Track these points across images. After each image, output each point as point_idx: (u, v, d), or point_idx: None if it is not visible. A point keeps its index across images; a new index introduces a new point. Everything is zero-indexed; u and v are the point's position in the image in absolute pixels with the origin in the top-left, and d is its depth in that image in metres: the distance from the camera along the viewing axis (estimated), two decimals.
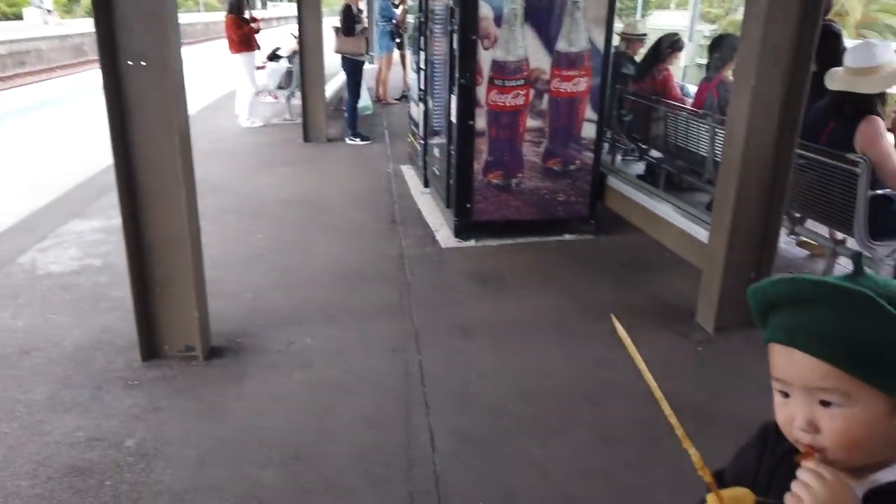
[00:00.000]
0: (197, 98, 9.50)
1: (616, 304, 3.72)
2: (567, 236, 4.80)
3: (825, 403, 0.76)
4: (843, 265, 4.08)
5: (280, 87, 9.51)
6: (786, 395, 0.81)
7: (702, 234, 3.98)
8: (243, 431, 2.57)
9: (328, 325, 3.45)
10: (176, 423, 2.61)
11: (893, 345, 0.72)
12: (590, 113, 4.61)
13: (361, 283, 4.02)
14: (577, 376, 3.00)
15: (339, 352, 3.18)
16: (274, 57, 9.66)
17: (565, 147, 4.66)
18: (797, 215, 4.02)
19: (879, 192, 3.36)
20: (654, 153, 5.84)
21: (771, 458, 0.89)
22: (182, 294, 2.98)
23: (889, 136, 3.44)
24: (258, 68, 9.30)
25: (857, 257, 0.77)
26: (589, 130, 4.66)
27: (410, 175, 6.53)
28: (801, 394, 0.78)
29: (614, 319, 0.91)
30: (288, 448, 2.46)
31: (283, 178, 6.48)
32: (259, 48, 9.10)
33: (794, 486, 0.76)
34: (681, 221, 4.45)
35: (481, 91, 4.40)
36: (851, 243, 3.69)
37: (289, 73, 9.30)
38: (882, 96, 3.49)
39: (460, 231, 4.70)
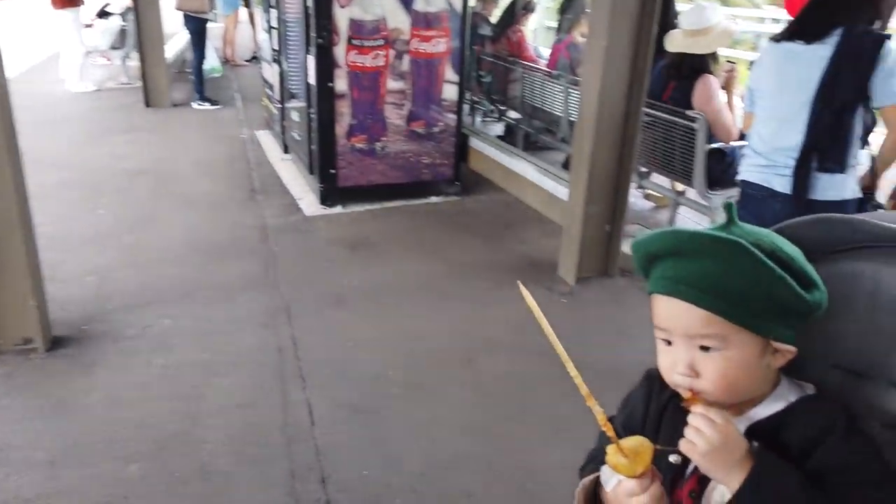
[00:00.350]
0: (15, 60, 8.37)
1: (484, 263, 3.81)
2: (434, 199, 4.82)
3: (704, 348, 0.80)
4: (684, 215, 4.46)
5: (114, 48, 8.62)
6: (668, 342, 0.84)
7: (560, 191, 4.16)
8: (101, 426, 2.35)
9: (188, 304, 3.22)
10: (17, 423, 2.34)
11: (762, 290, 0.77)
12: (450, 74, 4.62)
13: (222, 257, 3.79)
14: (452, 337, 3.04)
15: (203, 332, 2.99)
16: (103, 14, 8.70)
17: (428, 109, 4.64)
18: (643, 170, 4.31)
19: (714, 145, 3.68)
20: (513, 114, 6.00)
21: (657, 404, 0.92)
22: (14, 282, 2.65)
23: (721, 94, 3.75)
24: (86, 26, 8.34)
25: (729, 207, 0.80)
26: (450, 92, 4.67)
27: (267, 141, 6.22)
28: (683, 341, 0.82)
29: (521, 286, 0.89)
30: (154, 438, 2.29)
31: (126, 148, 5.92)
32: (84, 3, 8.16)
33: (687, 431, 0.79)
34: (540, 180, 4.62)
35: (340, 51, 4.24)
36: (691, 194, 4.03)
37: (122, 31, 8.44)
38: (714, 56, 3.79)
39: (326, 198, 4.56)
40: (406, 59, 4.45)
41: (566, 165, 5.01)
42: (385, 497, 2.09)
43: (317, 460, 2.22)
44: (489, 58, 6.08)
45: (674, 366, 0.83)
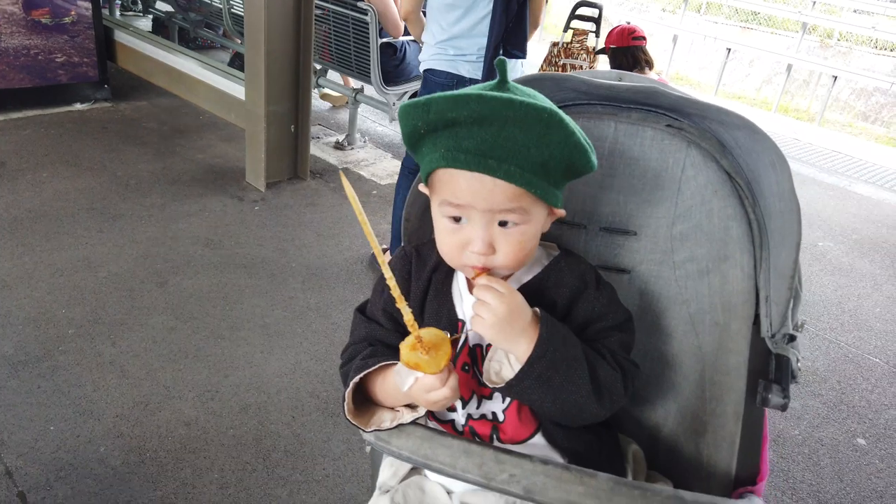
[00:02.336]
0: None
1: (160, 176, 3.38)
2: (79, 106, 4.05)
3: (503, 224, 0.76)
4: (363, 113, 4.54)
5: None
6: (456, 220, 0.77)
7: (238, 91, 3.84)
8: None
9: None
10: None
11: (566, 159, 0.73)
12: None
13: None
14: (135, 260, 2.67)
15: None
16: None
17: None
18: (318, 67, 4.21)
19: (384, 39, 3.73)
20: (162, 6, 5.27)
21: (418, 283, 0.88)
22: None
23: None
24: None
25: (501, 63, 0.73)
26: None
27: None
28: (482, 217, 0.75)
29: (342, 176, 0.74)
30: None
31: None
32: None
33: (475, 306, 0.76)
34: (213, 79, 4.20)
35: None
36: (369, 90, 4.08)
37: None
38: None
39: None
40: None
41: (233, 63, 4.63)
42: (85, 449, 1.80)
43: None
44: None
45: (464, 244, 0.77)
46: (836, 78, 7.93)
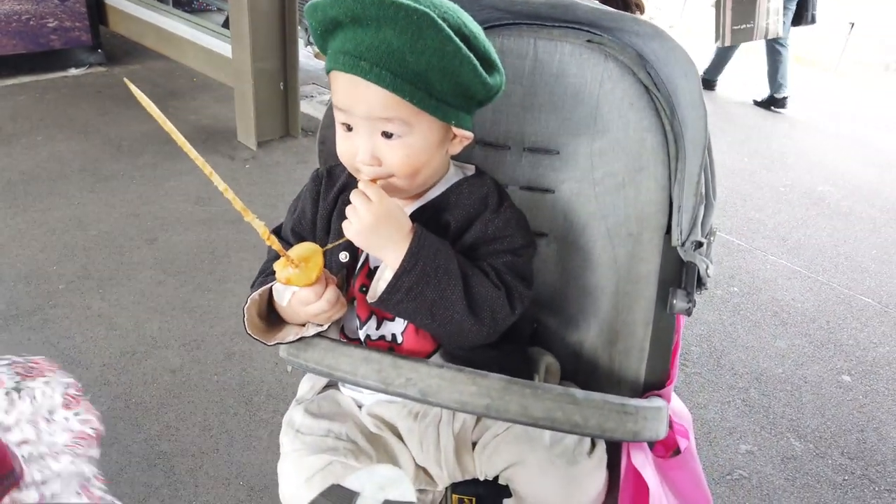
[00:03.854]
0: None
1: (151, 137, 3.40)
2: (73, 71, 4.07)
3: (386, 135, 0.75)
4: None
5: None
6: (348, 127, 0.77)
7: (227, 50, 3.83)
8: None
9: None
10: None
11: (447, 70, 0.70)
12: None
13: None
14: (125, 219, 2.71)
15: None
16: None
17: None
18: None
19: None
20: None
21: (326, 203, 0.88)
22: None
23: None
24: None
25: None
26: None
27: None
28: (364, 126, 0.75)
29: (128, 82, 0.72)
30: None
31: None
32: None
33: (347, 210, 0.76)
34: (202, 39, 4.19)
35: None
36: None
37: None
38: None
39: None
40: None
41: (227, 24, 4.61)
42: None
43: None
44: None
45: (355, 153, 0.77)
46: (852, 25, 7.65)
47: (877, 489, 1.90)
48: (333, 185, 0.87)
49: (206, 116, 3.74)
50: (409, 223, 0.76)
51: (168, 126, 0.68)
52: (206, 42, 4.16)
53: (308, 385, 0.93)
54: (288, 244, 0.87)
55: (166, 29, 4.41)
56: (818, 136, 4.80)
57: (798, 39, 8.02)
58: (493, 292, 0.77)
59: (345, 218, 0.78)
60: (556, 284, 0.98)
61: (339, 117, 0.77)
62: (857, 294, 2.81)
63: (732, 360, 2.32)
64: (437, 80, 0.71)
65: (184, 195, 2.91)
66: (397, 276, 0.74)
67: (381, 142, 0.75)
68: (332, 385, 0.93)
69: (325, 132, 0.97)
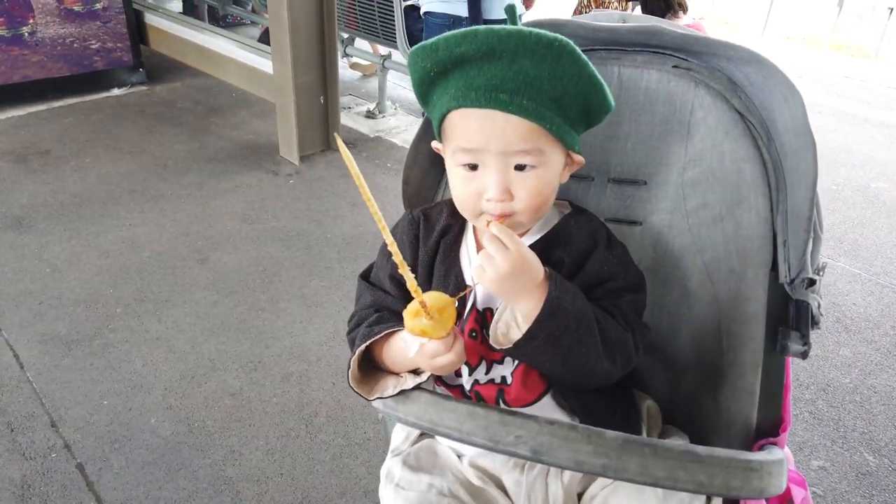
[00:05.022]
0: None
1: (196, 155, 3.45)
2: (116, 91, 4.15)
3: (519, 168, 0.73)
4: (393, 80, 4.50)
5: None
6: (472, 167, 0.74)
7: (267, 65, 3.86)
8: None
9: None
10: None
11: (581, 93, 0.70)
12: None
13: None
14: (176, 239, 2.74)
15: None
16: None
17: None
18: (345, 36, 4.19)
19: (408, 2, 3.68)
20: None
21: (426, 248, 0.85)
22: None
23: None
24: None
25: (510, 9, 0.71)
26: None
27: None
28: (497, 160, 0.72)
29: (337, 138, 0.72)
30: None
31: None
32: None
33: (480, 256, 0.73)
34: (242, 56, 4.23)
35: None
36: (397, 56, 4.04)
37: None
38: None
39: None
40: None
41: (263, 39, 4.65)
42: (137, 421, 1.88)
43: (40, 405, 1.90)
44: None
45: (481, 192, 0.74)
46: (892, 10, 7.43)
47: None
48: (433, 229, 0.85)
49: (247, 132, 3.77)
50: (541, 268, 0.74)
51: (366, 193, 0.67)
52: (245, 58, 4.20)
53: (402, 435, 0.91)
54: (383, 291, 0.85)
55: (205, 46, 4.46)
56: (867, 129, 4.64)
57: (834, 27, 7.82)
58: (623, 334, 0.75)
59: (450, 263, 0.77)
60: (648, 320, 0.94)
61: (461, 159, 0.75)
62: None
63: (797, 371, 2.25)
64: (569, 104, 0.70)
65: (231, 213, 2.93)
66: (538, 323, 0.71)
67: (513, 175, 0.73)
68: (427, 434, 0.90)
69: (409, 171, 0.95)
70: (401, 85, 4.70)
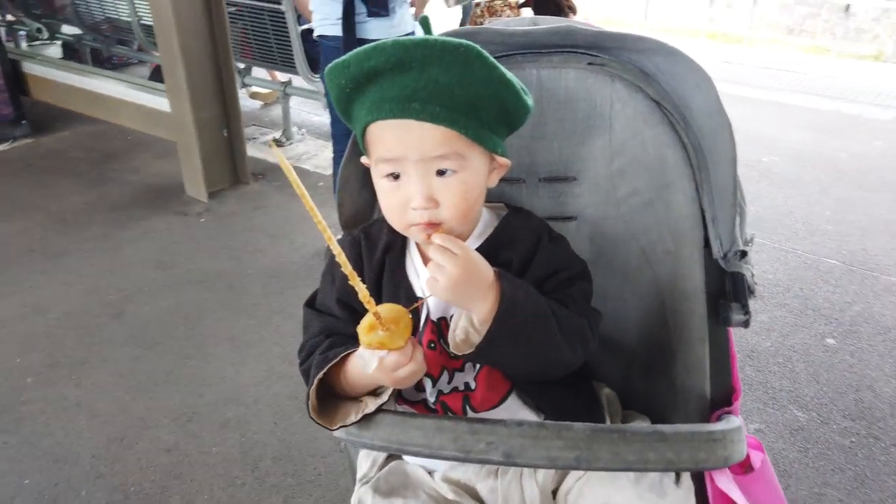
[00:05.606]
0: None
1: (97, 205, 3.25)
2: None
3: (440, 173, 0.74)
4: (296, 106, 4.43)
5: None
6: (395, 177, 0.75)
7: (163, 104, 3.70)
8: None
9: None
10: None
11: (493, 96, 0.71)
12: None
13: None
14: (86, 296, 2.57)
15: None
16: None
17: None
18: (241, 66, 4.09)
19: (304, 26, 3.63)
20: (69, 29, 5.04)
21: (371, 266, 0.85)
22: None
23: None
24: None
25: (424, 20, 0.75)
26: None
27: None
28: (417, 168, 0.73)
29: (273, 145, 0.70)
30: None
31: None
32: None
33: (430, 268, 0.73)
34: (135, 96, 4.03)
35: None
36: (297, 81, 3.98)
37: None
38: None
39: None
40: None
41: (154, 77, 4.47)
42: (65, 497, 1.74)
43: None
44: None
45: (408, 201, 0.75)
46: None
47: (883, 445, 1.96)
48: (376, 246, 0.84)
49: (149, 175, 3.60)
50: (491, 269, 0.74)
51: (301, 191, 0.65)
52: (138, 98, 4.01)
53: (369, 461, 0.88)
54: (332, 316, 0.83)
55: (93, 90, 4.23)
56: (751, 107, 4.98)
57: (709, 17, 8.37)
58: (579, 321, 0.78)
59: (398, 279, 0.77)
60: None
61: (383, 169, 0.75)
62: (822, 257, 2.91)
63: None
64: (484, 108, 0.72)
65: (142, 262, 2.79)
66: (497, 323, 0.71)
67: (435, 181, 0.74)
68: (394, 455, 0.88)
69: (342, 194, 0.93)
70: (305, 110, 4.64)
